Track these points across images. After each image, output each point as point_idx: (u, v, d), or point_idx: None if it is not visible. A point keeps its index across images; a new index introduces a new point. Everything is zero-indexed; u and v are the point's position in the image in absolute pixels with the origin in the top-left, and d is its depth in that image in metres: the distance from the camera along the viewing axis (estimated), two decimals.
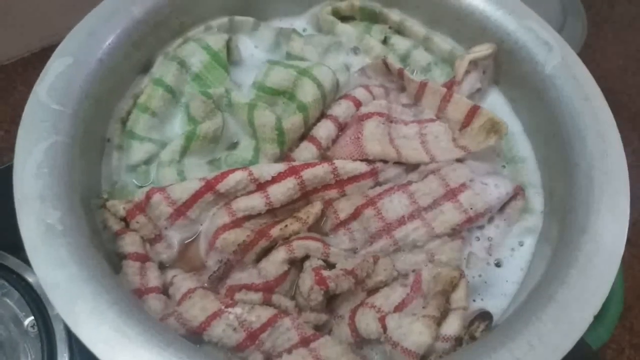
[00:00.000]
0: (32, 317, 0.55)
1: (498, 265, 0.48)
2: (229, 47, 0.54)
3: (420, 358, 0.40)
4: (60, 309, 0.35)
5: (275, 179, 0.46)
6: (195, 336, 0.41)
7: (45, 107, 0.43)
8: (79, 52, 0.46)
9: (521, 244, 0.49)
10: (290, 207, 0.48)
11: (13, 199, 0.61)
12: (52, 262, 0.36)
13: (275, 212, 0.48)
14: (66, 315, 0.35)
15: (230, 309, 0.41)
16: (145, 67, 0.53)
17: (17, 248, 0.58)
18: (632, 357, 0.76)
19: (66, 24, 0.76)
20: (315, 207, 0.48)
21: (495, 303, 0.46)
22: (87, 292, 0.36)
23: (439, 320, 0.41)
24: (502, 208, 0.49)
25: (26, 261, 0.56)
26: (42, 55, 0.81)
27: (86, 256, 0.37)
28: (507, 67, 0.54)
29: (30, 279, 0.57)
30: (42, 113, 0.43)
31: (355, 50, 0.58)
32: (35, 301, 0.56)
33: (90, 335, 0.34)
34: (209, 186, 0.46)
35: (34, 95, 0.43)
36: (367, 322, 0.42)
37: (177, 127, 0.52)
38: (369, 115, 0.50)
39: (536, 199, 0.50)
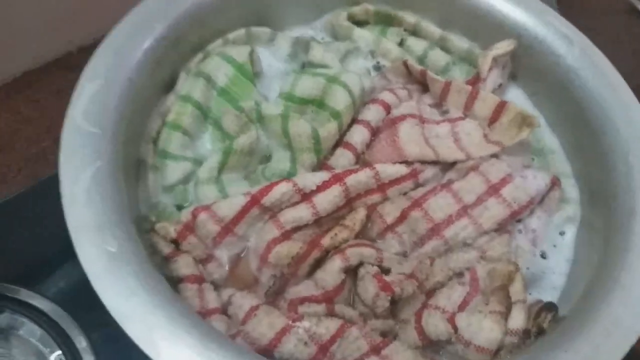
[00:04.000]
0: (59, 352, 0.52)
1: (543, 256, 0.49)
2: (251, 58, 0.53)
3: (493, 354, 0.40)
4: (137, 340, 0.33)
5: (320, 188, 0.46)
6: (264, 354, 0.40)
7: (84, 132, 0.41)
8: (108, 72, 0.45)
9: (562, 234, 0.50)
10: (334, 215, 0.47)
11: (16, 233, 0.59)
12: (122, 292, 0.35)
13: (320, 222, 0.47)
14: (145, 346, 0.33)
15: (298, 323, 0.40)
16: (167, 86, 0.51)
17: (27, 279, 0.56)
18: None
19: (47, 47, 0.73)
20: (360, 213, 0.47)
21: (546, 297, 0.46)
22: (163, 318, 0.34)
23: (505, 315, 0.41)
24: (540, 200, 0.50)
25: (40, 292, 0.54)
26: (24, 80, 0.78)
27: (153, 282, 0.36)
28: (526, 61, 0.55)
29: (48, 312, 0.54)
30: (81, 138, 0.41)
31: (373, 54, 0.58)
32: (60, 334, 0.53)
33: None
34: (254, 200, 0.45)
35: (70, 120, 0.41)
36: (436, 324, 0.41)
37: (207, 143, 0.51)
38: (402, 118, 0.50)
39: (571, 188, 0.51)
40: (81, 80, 0.44)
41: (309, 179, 0.46)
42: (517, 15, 0.54)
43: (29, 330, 0.54)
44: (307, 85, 0.51)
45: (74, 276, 0.57)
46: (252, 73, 0.52)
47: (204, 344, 0.34)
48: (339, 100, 0.50)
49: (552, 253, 0.49)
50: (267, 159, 0.51)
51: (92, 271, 0.35)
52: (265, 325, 0.40)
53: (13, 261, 0.58)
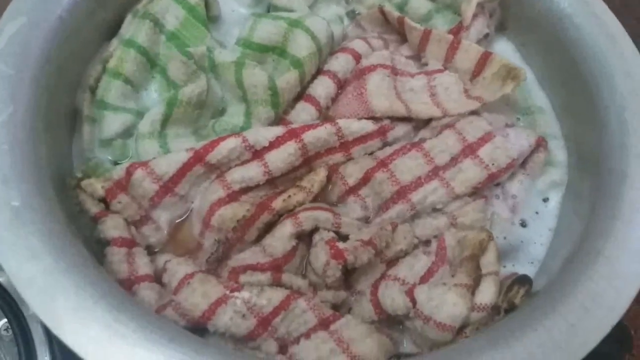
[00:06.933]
0: (5, 320, 0.49)
1: (523, 225, 0.44)
2: (206, 1, 0.47)
3: (456, 331, 0.35)
4: (36, 309, 0.29)
5: (273, 145, 0.41)
6: (197, 327, 0.35)
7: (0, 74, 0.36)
8: (34, 10, 0.40)
9: (546, 200, 0.45)
10: (291, 176, 0.43)
11: None
12: (23, 253, 0.30)
13: (275, 182, 0.42)
14: (45, 315, 0.29)
15: (236, 293, 0.35)
16: (112, 31, 0.46)
17: None
18: None
19: None
20: (320, 174, 0.42)
21: (523, 269, 0.42)
22: (68, 286, 0.30)
23: (472, 289, 0.36)
24: (523, 162, 0.44)
25: None
26: None
27: (62, 244, 0.32)
28: (516, 9, 0.49)
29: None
30: None
31: (347, 0, 0.52)
32: (7, 301, 0.49)
33: (76, 336, 0.29)
34: (197, 157, 0.40)
35: None
36: (393, 297, 0.37)
37: (154, 93, 0.46)
38: (371, 68, 0.45)
39: (559, 151, 0.46)
40: (2, 19, 0.39)
41: (261, 134, 0.41)
42: None
43: None
44: (267, 30, 0.45)
45: None
46: (205, 17, 0.47)
47: (114, 315, 0.29)
48: (301, 47, 0.44)
49: (533, 221, 0.44)
50: (221, 112, 0.46)
51: None
52: (199, 295, 0.35)
53: None
